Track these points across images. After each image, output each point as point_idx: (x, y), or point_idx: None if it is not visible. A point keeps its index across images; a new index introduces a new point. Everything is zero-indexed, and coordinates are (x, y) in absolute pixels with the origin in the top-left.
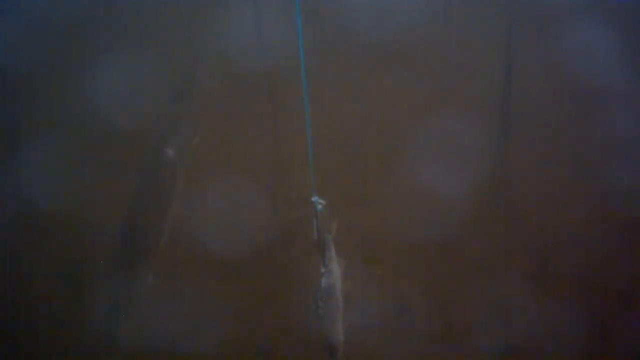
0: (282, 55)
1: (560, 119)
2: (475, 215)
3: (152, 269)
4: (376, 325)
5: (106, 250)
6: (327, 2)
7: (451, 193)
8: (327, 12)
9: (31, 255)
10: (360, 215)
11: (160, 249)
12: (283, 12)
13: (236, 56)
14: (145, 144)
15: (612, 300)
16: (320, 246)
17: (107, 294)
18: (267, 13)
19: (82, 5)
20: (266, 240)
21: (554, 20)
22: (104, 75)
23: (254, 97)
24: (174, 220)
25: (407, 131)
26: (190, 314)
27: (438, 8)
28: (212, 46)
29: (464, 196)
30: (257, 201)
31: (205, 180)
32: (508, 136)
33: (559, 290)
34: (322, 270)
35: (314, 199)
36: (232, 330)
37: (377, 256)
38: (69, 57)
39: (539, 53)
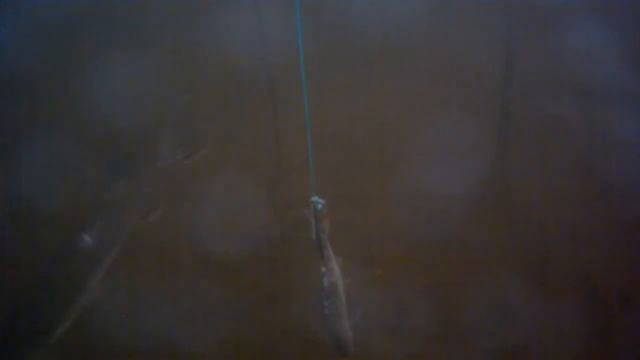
0: (282, 55)
1: (560, 119)
2: (476, 215)
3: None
4: (376, 324)
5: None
6: (327, 2)
7: (451, 193)
8: (327, 12)
9: (30, 256)
10: (360, 214)
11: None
12: (283, 12)
13: (236, 56)
14: (142, 144)
15: (612, 300)
16: (318, 246)
17: (105, 294)
18: (267, 13)
19: (81, 6)
20: (266, 240)
21: (554, 20)
22: (102, 76)
23: (254, 96)
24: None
25: (407, 131)
26: (190, 314)
27: (438, 8)
28: (212, 46)
29: (464, 196)
30: (257, 201)
31: (205, 180)
32: (508, 136)
33: (559, 290)
34: (323, 270)
35: (314, 198)
36: (232, 331)
37: (377, 256)
38: (69, 58)
39: (539, 53)
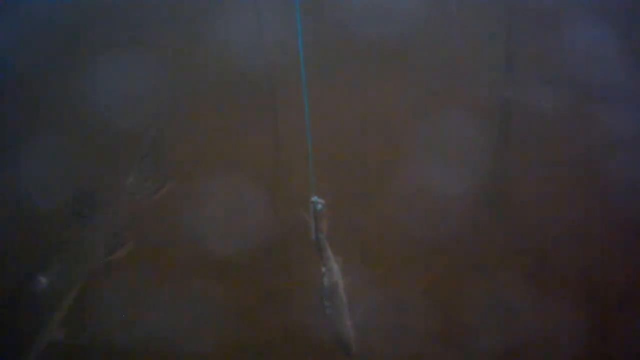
0: (282, 55)
1: (561, 119)
2: (475, 215)
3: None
4: (376, 324)
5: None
6: (327, 1)
7: (451, 193)
8: (327, 12)
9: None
10: (360, 214)
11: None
12: (283, 12)
13: (236, 56)
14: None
15: (612, 300)
16: (317, 246)
17: (107, 293)
18: (267, 13)
19: (82, 6)
20: (266, 240)
21: (554, 20)
22: (103, 76)
23: (254, 96)
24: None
25: (407, 131)
26: (190, 314)
27: (438, 8)
28: (212, 46)
29: (464, 196)
30: (257, 201)
31: (205, 180)
32: (508, 136)
33: (559, 290)
34: (323, 270)
35: (314, 198)
36: (232, 331)
37: (377, 256)
38: (69, 58)
39: (539, 52)
